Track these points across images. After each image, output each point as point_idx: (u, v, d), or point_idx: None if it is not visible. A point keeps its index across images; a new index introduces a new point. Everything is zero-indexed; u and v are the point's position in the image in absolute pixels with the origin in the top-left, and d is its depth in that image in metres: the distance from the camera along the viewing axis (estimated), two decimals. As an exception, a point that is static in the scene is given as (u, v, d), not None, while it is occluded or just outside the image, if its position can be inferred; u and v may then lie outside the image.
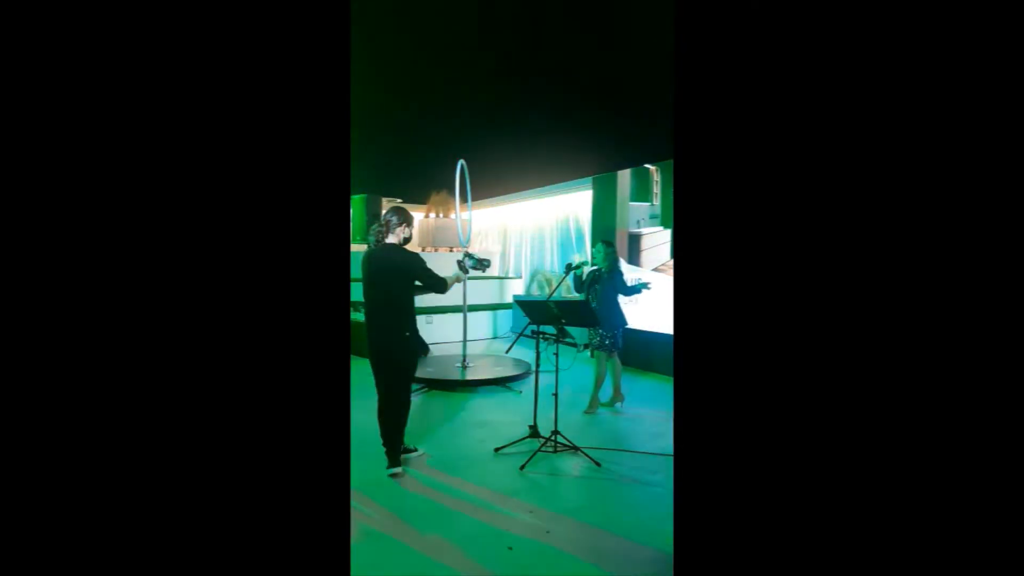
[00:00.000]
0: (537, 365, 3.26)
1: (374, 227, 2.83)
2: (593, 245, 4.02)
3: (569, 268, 3.76)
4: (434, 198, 7.67)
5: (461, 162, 5.05)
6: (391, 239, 2.81)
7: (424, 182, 7.06)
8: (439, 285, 2.83)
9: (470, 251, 3.29)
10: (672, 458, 2.99)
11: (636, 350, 5.67)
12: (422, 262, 2.79)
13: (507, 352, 3.66)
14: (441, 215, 7.88)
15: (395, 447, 2.80)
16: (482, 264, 3.11)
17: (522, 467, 2.84)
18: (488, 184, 6.78)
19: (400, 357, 2.80)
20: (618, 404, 4.09)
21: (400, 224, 2.81)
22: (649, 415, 4.00)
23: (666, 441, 3.35)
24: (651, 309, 5.48)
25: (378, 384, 2.82)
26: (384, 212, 2.84)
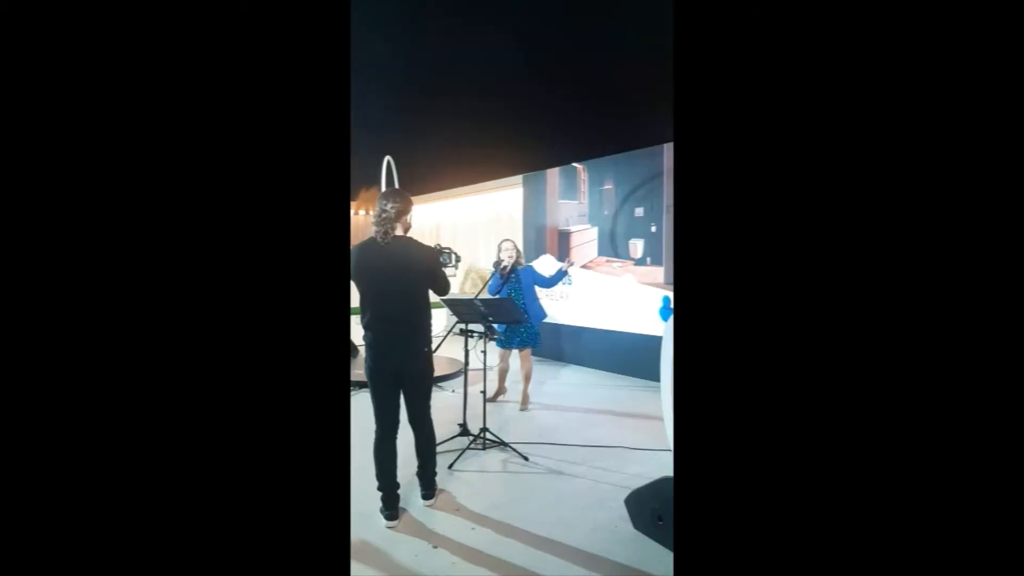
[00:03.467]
0: (466, 364, 3.28)
1: (379, 217, 2.26)
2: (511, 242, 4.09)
3: (497, 267, 3.84)
4: (363, 195, 7.49)
5: (388, 159, 4.97)
6: (399, 230, 2.27)
7: (353, 178, 6.88)
8: (446, 285, 2.35)
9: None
10: (596, 449, 3.12)
11: (562, 344, 5.82)
12: (437, 255, 2.33)
13: (435, 351, 3.65)
14: (372, 212, 7.71)
15: (430, 475, 2.45)
16: (456, 259, 2.77)
17: (450, 465, 2.85)
18: (416, 181, 6.69)
19: (427, 375, 2.37)
20: (500, 397, 4.19)
21: (407, 211, 2.28)
22: (577, 408, 4.11)
23: (592, 432, 3.47)
24: (576, 304, 5.63)
25: (386, 412, 2.31)
26: (382, 198, 2.27)
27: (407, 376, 2.31)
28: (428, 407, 2.41)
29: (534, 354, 4.09)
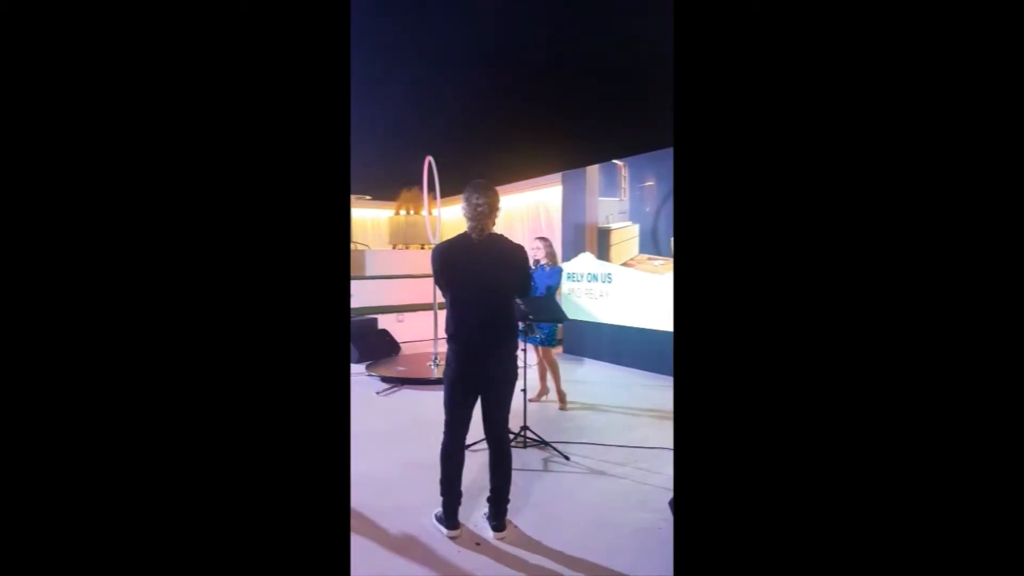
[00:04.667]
0: (506, 361, 3.28)
1: (474, 211, 2.06)
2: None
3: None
4: (404, 195, 7.60)
5: (429, 159, 5.03)
6: (492, 225, 2.10)
7: (393, 179, 7.00)
8: (530, 286, 2.25)
9: None
10: (638, 450, 3.08)
11: (603, 343, 5.75)
12: (527, 259, 2.19)
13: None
14: (412, 212, 7.83)
15: (504, 503, 2.18)
16: None
17: (492, 463, 2.86)
18: (457, 180, 6.76)
19: (512, 381, 2.16)
20: (544, 397, 4.17)
21: (497, 206, 2.10)
22: (619, 407, 4.06)
23: (634, 434, 3.42)
24: (617, 302, 5.55)
25: (461, 422, 2.13)
26: (472, 192, 2.07)
27: (493, 382, 2.11)
28: (507, 419, 2.19)
29: (562, 351, 4.06)
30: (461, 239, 2.11)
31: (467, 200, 2.07)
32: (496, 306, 2.08)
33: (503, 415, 2.17)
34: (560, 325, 4.03)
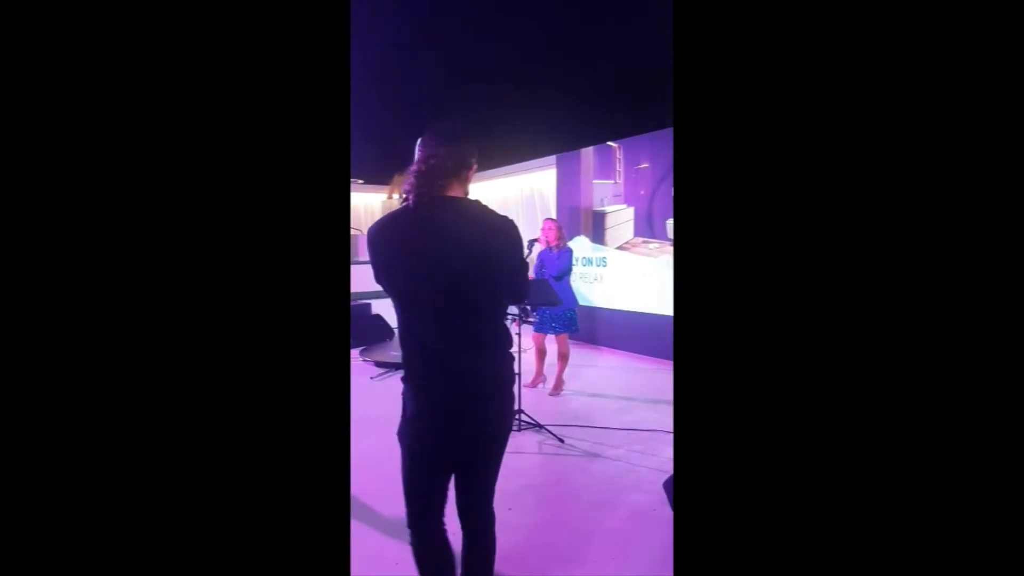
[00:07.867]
0: (500, 345, 3.26)
1: (419, 170, 1.22)
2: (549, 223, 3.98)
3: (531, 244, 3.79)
4: (397, 179, 7.51)
5: (420, 140, 4.95)
6: (456, 189, 1.25)
7: (385, 162, 6.92)
8: (528, 288, 1.39)
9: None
10: (633, 432, 3.08)
11: (597, 327, 5.75)
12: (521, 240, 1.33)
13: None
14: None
15: None
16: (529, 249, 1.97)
17: (486, 447, 2.86)
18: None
19: (507, 434, 1.38)
20: (540, 385, 4.10)
21: (467, 162, 1.27)
22: (612, 391, 4.07)
23: (629, 416, 3.43)
24: (611, 286, 5.54)
25: (429, 496, 1.35)
26: (426, 143, 1.25)
27: (479, 436, 1.31)
28: (493, 491, 1.43)
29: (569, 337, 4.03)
30: (399, 214, 1.24)
31: (419, 150, 1.26)
32: (473, 312, 1.22)
33: (489, 485, 1.39)
34: (577, 311, 3.92)
